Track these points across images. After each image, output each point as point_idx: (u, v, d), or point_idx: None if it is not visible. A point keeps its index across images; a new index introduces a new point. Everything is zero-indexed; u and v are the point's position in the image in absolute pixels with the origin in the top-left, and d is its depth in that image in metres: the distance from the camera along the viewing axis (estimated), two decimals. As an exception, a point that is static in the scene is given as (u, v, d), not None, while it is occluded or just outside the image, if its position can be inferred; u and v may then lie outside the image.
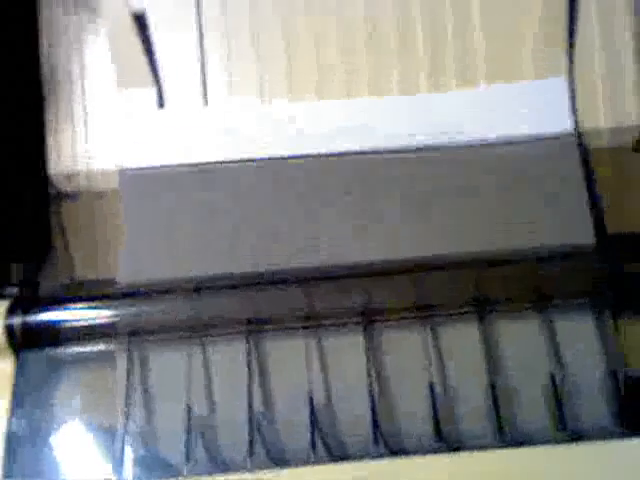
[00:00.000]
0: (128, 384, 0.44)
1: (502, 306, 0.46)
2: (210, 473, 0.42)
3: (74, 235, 0.51)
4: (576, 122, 0.51)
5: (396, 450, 0.43)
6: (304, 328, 0.46)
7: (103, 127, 0.52)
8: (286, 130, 0.51)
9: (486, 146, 0.50)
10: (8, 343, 0.44)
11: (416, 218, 0.49)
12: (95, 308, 0.45)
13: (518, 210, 0.49)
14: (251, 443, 0.42)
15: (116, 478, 0.42)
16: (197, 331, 0.45)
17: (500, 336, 0.46)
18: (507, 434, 0.43)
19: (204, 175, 0.50)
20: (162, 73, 0.52)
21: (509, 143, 0.50)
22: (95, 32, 0.53)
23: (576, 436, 0.42)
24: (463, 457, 0.42)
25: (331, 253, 0.48)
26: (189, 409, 0.43)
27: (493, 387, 0.44)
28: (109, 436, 0.43)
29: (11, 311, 0.45)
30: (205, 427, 0.44)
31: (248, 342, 0.45)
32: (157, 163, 0.51)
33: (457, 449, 0.42)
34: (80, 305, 0.46)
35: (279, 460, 0.43)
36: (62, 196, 0.52)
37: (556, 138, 0.50)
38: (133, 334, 0.45)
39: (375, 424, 0.43)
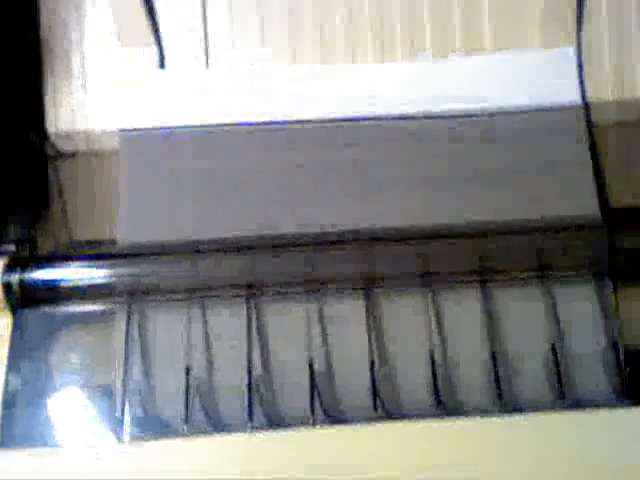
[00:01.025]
0: (127, 344, 0.44)
1: (504, 275, 0.46)
2: (209, 433, 0.42)
3: (72, 195, 0.51)
4: (583, 94, 0.50)
5: (395, 416, 0.43)
6: (305, 293, 0.45)
7: (102, 86, 0.51)
8: (287, 93, 0.51)
9: (491, 115, 0.50)
10: (5, 301, 0.44)
11: (419, 186, 0.48)
12: (94, 267, 0.45)
13: (522, 181, 0.48)
14: (250, 405, 0.42)
15: (115, 438, 0.42)
16: (197, 293, 0.45)
17: (501, 305, 0.45)
18: (506, 402, 0.43)
19: (205, 137, 0.50)
20: (163, 33, 0.51)
21: (515, 113, 0.50)
22: (95, -11, 0.52)
23: (575, 405, 0.43)
24: (462, 423, 0.42)
25: (333, 218, 0.47)
26: (188, 370, 0.43)
27: (494, 355, 0.44)
28: (107, 396, 0.43)
29: (8, 268, 0.44)
30: (204, 388, 0.44)
31: (248, 306, 0.45)
32: (157, 124, 0.50)
33: (455, 415, 0.42)
34: (79, 264, 0.45)
35: (278, 423, 0.43)
36: (60, 156, 0.51)
37: (563, 109, 0.50)
38: (132, 294, 0.45)
39: (374, 390, 0.43)
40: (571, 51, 0.51)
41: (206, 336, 0.45)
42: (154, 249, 0.46)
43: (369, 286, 0.46)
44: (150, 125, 0.50)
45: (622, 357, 0.43)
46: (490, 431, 0.41)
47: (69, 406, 0.44)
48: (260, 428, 0.42)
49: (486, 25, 0.51)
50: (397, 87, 0.51)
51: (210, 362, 0.44)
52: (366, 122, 0.50)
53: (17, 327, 0.44)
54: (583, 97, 0.50)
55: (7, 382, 0.43)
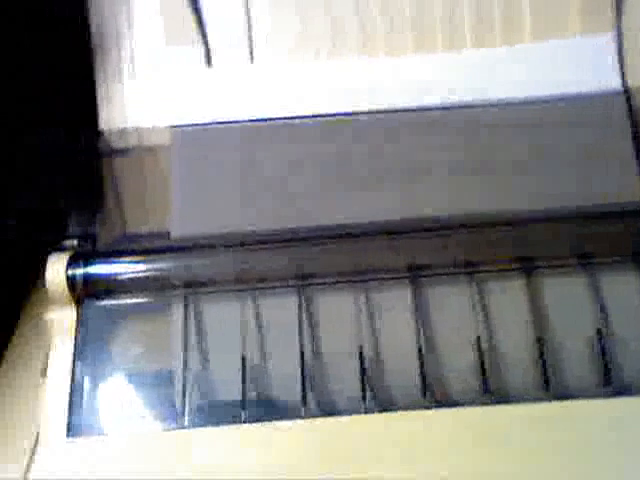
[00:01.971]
0: (185, 335, 0.45)
1: (548, 262, 0.47)
2: (265, 420, 0.43)
3: (126, 191, 0.52)
4: (624, 80, 0.51)
5: (444, 403, 0.44)
6: (353, 282, 0.47)
7: (152, 84, 0.52)
8: (332, 87, 0.51)
9: (532, 103, 0.50)
10: (70, 294, 0.46)
11: (463, 175, 0.49)
12: (152, 260, 0.46)
13: (564, 168, 0.49)
14: (303, 392, 0.44)
15: (176, 425, 0.44)
16: (249, 284, 0.47)
17: (546, 292, 0.46)
18: (553, 388, 0.43)
19: (252, 132, 0.51)
20: (209, 30, 0.52)
21: (556, 101, 0.50)
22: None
23: (621, 391, 0.43)
24: (510, 409, 0.43)
25: (378, 209, 0.48)
26: (244, 359, 0.45)
27: (539, 341, 0.45)
28: (167, 385, 0.45)
29: (72, 263, 0.46)
30: (259, 377, 0.45)
31: (299, 295, 0.46)
32: (205, 120, 0.51)
33: (503, 402, 0.43)
34: (138, 258, 0.47)
35: (330, 410, 0.44)
36: (113, 152, 0.53)
37: (604, 96, 0.50)
38: (188, 286, 0.46)
39: (423, 377, 0.44)
40: (610, 38, 0.51)
41: (259, 326, 0.46)
42: (206, 241, 0.47)
43: (415, 275, 0.47)
44: (199, 120, 0.52)
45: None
46: (537, 416, 0.42)
47: (131, 394, 0.46)
48: (314, 413, 0.44)
49: (526, 14, 0.51)
50: (437, 78, 0.51)
51: (264, 351, 0.46)
52: (407, 113, 0.51)
53: (81, 319, 0.46)
54: (624, 83, 0.51)
55: (73, 372, 0.45)
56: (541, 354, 0.44)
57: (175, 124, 0.51)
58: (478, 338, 0.45)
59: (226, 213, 0.49)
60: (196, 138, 0.51)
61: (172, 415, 0.44)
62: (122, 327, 0.47)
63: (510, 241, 0.47)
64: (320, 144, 0.50)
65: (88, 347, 0.46)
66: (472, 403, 0.43)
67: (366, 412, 0.43)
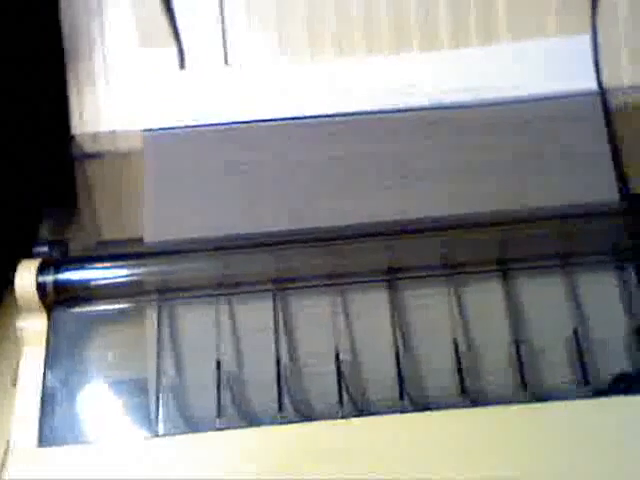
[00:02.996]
0: (158, 341, 0.45)
1: (525, 263, 0.46)
2: (240, 427, 0.43)
3: (99, 195, 0.52)
4: (599, 80, 0.51)
5: (421, 405, 0.44)
6: (329, 286, 0.46)
7: (125, 87, 0.52)
8: (307, 89, 0.51)
9: (509, 104, 0.50)
10: (40, 301, 0.45)
11: (439, 177, 0.49)
12: (124, 266, 0.46)
13: (541, 168, 0.49)
14: (280, 397, 0.43)
15: (149, 432, 0.43)
16: (225, 289, 0.46)
17: (524, 292, 0.46)
18: (530, 389, 0.43)
19: (227, 135, 0.51)
20: (183, 33, 0.52)
21: (531, 101, 0.50)
22: (115, -9, 0.52)
23: (598, 392, 0.43)
24: (487, 411, 0.42)
25: (356, 211, 0.48)
26: (219, 364, 0.44)
27: (517, 343, 0.44)
28: (141, 392, 0.44)
29: (42, 269, 0.45)
30: (234, 382, 0.45)
31: (275, 300, 0.46)
32: (179, 123, 0.51)
33: (480, 404, 0.43)
34: (110, 264, 0.46)
35: (307, 415, 0.44)
36: (87, 156, 0.52)
37: (580, 96, 0.50)
38: (162, 291, 0.46)
39: (400, 379, 0.44)
40: (587, 38, 0.51)
41: (235, 330, 0.46)
42: (180, 247, 0.47)
43: (392, 277, 0.46)
44: (173, 124, 0.51)
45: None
46: (514, 418, 0.42)
47: (104, 402, 0.45)
48: (290, 420, 0.43)
49: (502, 14, 0.51)
50: (416, 78, 0.51)
51: (239, 356, 0.45)
52: (389, 114, 0.51)
53: (52, 326, 0.45)
54: (599, 83, 0.51)
55: (44, 380, 0.44)
56: (518, 355, 0.44)
57: (148, 127, 0.51)
58: (455, 340, 0.45)
59: (200, 217, 0.49)
60: (168, 142, 0.50)
61: (146, 423, 0.44)
62: (94, 334, 0.46)
63: (487, 243, 0.47)
64: (295, 147, 0.50)
65: (59, 355, 0.45)
66: (450, 405, 0.43)
67: (343, 416, 0.43)
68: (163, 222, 0.48)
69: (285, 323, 0.46)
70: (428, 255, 0.47)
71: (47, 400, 0.43)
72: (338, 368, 0.44)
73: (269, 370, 0.44)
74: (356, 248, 0.46)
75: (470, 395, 0.43)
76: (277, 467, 0.40)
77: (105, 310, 0.46)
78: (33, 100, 0.54)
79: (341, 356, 0.44)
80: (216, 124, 0.51)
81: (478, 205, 0.48)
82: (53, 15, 0.52)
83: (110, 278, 0.46)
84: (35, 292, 0.45)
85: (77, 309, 0.46)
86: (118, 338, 0.46)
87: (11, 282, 0.45)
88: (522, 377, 0.43)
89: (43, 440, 0.42)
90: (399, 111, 0.51)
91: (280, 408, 0.43)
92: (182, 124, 0.51)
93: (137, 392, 0.45)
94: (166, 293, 0.46)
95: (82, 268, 0.46)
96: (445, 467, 0.40)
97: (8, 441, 0.42)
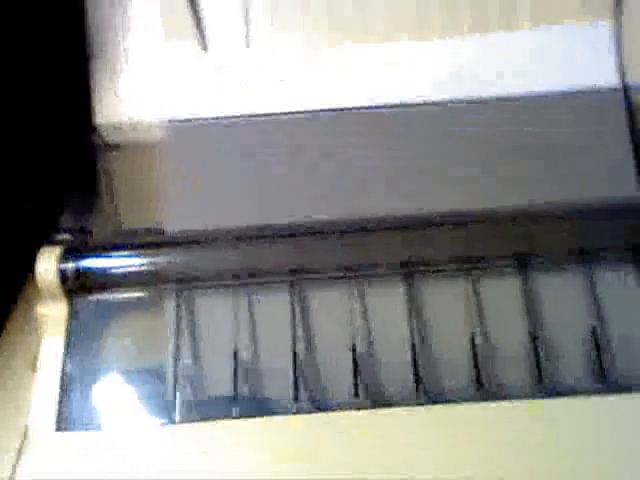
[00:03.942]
0: (177, 330, 0.45)
1: (544, 259, 0.46)
2: (256, 415, 0.43)
3: (120, 185, 0.52)
4: (622, 75, 0.50)
5: (436, 398, 0.44)
6: (347, 277, 0.46)
7: (147, 78, 0.52)
8: (328, 77, 0.51)
9: (528, 98, 0.50)
10: (61, 288, 0.45)
11: (458, 172, 0.49)
12: (144, 255, 0.46)
13: (562, 163, 0.48)
14: (295, 387, 0.43)
15: (166, 420, 0.43)
16: (243, 279, 0.46)
17: (541, 288, 0.46)
18: (546, 384, 0.43)
19: (247, 126, 0.51)
20: (205, 20, 0.52)
21: (553, 95, 0.50)
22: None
23: (616, 388, 0.43)
24: (502, 406, 0.42)
25: (374, 205, 0.48)
26: (236, 354, 0.45)
27: (534, 338, 0.44)
28: (159, 379, 0.45)
29: (64, 257, 0.46)
30: (251, 371, 0.45)
31: (292, 290, 0.46)
32: (201, 113, 0.51)
33: (496, 398, 0.43)
34: (130, 252, 0.46)
35: (322, 406, 0.44)
36: (108, 146, 0.52)
37: (601, 90, 0.50)
38: (181, 281, 0.46)
39: (416, 373, 0.44)
40: (610, 31, 0.50)
41: (252, 320, 0.46)
42: (199, 236, 0.47)
43: (409, 270, 0.46)
44: (195, 114, 0.51)
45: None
46: (530, 413, 0.42)
47: (122, 389, 0.46)
48: (305, 409, 0.43)
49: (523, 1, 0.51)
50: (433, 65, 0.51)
51: (256, 345, 0.46)
52: (400, 109, 0.50)
53: (72, 313, 0.46)
54: (622, 78, 0.50)
55: (64, 366, 0.44)
56: (535, 351, 0.44)
57: (169, 118, 0.51)
58: (472, 334, 0.45)
59: (220, 208, 0.49)
60: (188, 132, 0.51)
61: (163, 410, 0.44)
62: (114, 322, 0.47)
63: (505, 237, 0.47)
64: (319, 138, 0.50)
65: (79, 341, 0.46)
66: (465, 399, 0.43)
67: (358, 408, 0.43)
68: (183, 212, 0.49)
69: (302, 314, 0.46)
70: (446, 248, 0.46)
71: (66, 386, 0.44)
72: (354, 359, 0.44)
73: (285, 360, 0.44)
74: (374, 240, 0.46)
75: (486, 389, 0.43)
76: (292, 456, 0.40)
77: (125, 298, 0.47)
78: (56, 90, 0.55)
79: (357, 347, 0.45)
80: (236, 116, 0.51)
81: (496, 200, 0.47)
82: (78, 6, 0.53)
83: (130, 266, 0.46)
84: (56, 279, 0.45)
85: (97, 296, 0.46)
86: (137, 326, 0.47)
87: (31, 270, 0.46)
88: (539, 372, 0.43)
89: (61, 425, 0.43)
90: (429, 104, 0.50)
91: (296, 398, 0.43)
92: (203, 114, 0.51)
93: (154, 380, 0.45)
94: (185, 282, 0.46)
95: (103, 256, 0.46)
96: (459, 460, 0.40)
97: (27, 425, 0.43)
